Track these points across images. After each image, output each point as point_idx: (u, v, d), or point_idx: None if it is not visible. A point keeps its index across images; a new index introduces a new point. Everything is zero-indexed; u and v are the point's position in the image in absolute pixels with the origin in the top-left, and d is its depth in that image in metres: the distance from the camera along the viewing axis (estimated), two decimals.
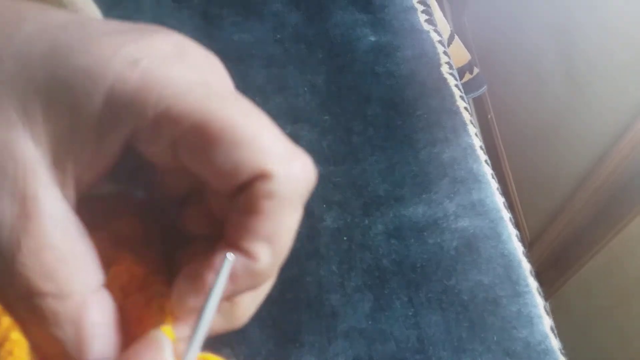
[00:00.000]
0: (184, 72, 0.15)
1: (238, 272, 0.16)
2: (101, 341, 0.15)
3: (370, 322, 0.36)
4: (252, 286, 0.16)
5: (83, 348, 0.15)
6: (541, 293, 0.39)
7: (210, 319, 0.15)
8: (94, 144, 0.14)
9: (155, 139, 0.15)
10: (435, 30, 0.51)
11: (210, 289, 0.15)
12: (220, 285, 0.15)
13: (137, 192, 0.19)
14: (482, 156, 0.44)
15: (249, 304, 0.18)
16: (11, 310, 0.15)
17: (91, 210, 0.16)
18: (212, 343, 0.20)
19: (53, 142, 0.14)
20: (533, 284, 0.39)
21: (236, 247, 0.16)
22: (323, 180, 0.41)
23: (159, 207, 0.19)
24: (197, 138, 0.14)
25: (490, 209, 0.41)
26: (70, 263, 0.15)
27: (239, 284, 0.16)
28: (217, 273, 0.15)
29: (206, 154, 0.15)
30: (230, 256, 0.15)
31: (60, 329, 0.14)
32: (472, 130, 0.45)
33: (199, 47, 0.17)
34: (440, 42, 0.51)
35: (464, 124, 0.45)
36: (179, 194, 0.18)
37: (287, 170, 0.16)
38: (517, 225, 0.42)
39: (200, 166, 0.15)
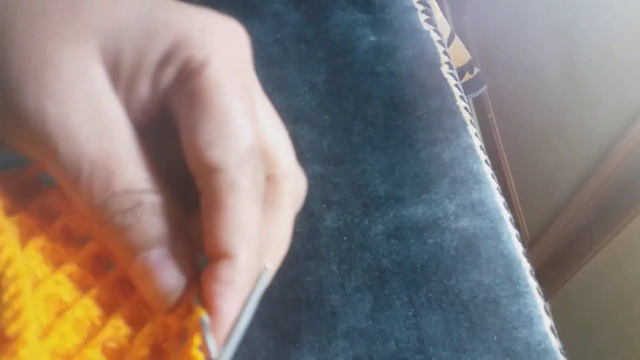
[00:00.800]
0: (230, 50, 0.18)
1: (228, 276, 0.16)
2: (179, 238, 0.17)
3: (370, 322, 0.36)
4: (245, 286, 0.17)
5: (164, 238, 0.17)
6: (541, 293, 0.39)
7: (244, 327, 0.17)
8: (148, 82, 0.17)
9: (182, 91, 0.17)
10: (435, 30, 0.51)
11: (246, 302, 0.17)
12: (256, 296, 0.17)
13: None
14: (482, 156, 0.44)
15: None
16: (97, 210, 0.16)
17: None
18: None
19: (119, 75, 0.17)
20: (533, 284, 0.39)
21: (215, 253, 0.17)
22: (323, 180, 0.41)
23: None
24: (199, 99, 0.17)
25: (490, 209, 0.41)
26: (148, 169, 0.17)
27: (236, 288, 0.17)
28: (255, 286, 0.17)
29: (193, 119, 0.17)
30: (269, 266, 0.17)
31: (154, 219, 0.16)
32: (472, 130, 0.45)
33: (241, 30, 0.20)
34: (440, 42, 0.51)
35: (464, 124, 0.45)
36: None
37: (244, 166, 0.17)
38: (517, 225, 0.42)
39: (183, 131, 0.17)
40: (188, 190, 0.19)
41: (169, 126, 0.18)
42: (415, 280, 0.37)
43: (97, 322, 0.17)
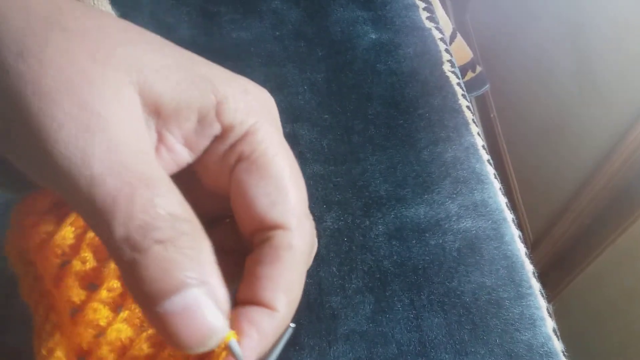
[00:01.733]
0: (269, 114, 0.19)
1: (264, 325, 0.17)
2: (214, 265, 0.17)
3: (371, 325, 0.35)
4: (273, 338, 0.18)
5: (206, 266, 0.15)
6: (544, 295, 0.39)
7: None
8: (189, 129, 0.18)
9: (229, 152, 0.18)
10: (437, 28, 0.51)
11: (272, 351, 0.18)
12: (281, 345, 0.18)
13: None
14: (485, 156, 0.44)
15: None
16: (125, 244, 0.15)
17: None
18: None
19: (158, 114, 0.17)
20: (536, 285, 0.38)
21: (255, 300, 0.17)
22: (323, 181, 0.41)
23: None
24: (255, 163, 0.18)
25: (493, 210, 0.40)
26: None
27: (266, 338, 0.17)
28: (280, 339, 0.18)
29: (253, 182, 0.18)
30: (292, 325, 0.18)
31: (188, 246, 0.15)
32: (475, 129, 0.45)
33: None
34: (442, 39, 0.50)
35: (467, 123, 0.45)
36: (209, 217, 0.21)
37: (302, 229, 0.18)
38: (520, 226, 0.41)
39: (241, 191, 0.18)
40: (215, 210, 0.20)
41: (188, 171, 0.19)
42: (416, 282, 0.37)
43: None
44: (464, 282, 0.37)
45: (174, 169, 0.18)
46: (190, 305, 0.15)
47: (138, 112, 0.16)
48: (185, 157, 0.18)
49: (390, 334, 0.35)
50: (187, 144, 0.18)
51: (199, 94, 0.17)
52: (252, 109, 0.18)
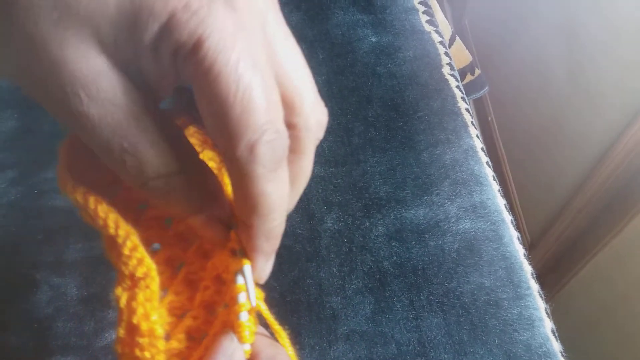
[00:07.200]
0: (218, 10, 0.17)
1: (246, 240, 0.21)
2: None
3: (371, 325, 0.36)
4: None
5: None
6: (542, 296, 0.39)
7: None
8: (152, 61, 0.17)
9: (187, 63, 0.17)
10: (437, 31, 0.51)
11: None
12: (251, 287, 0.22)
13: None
14: (484, 158, 0.44)
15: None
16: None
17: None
18: None
19: (121, 60, 0.17)
20: (534, 286, 0.39)
21: (240, 218, 0.21)
22: (323, 182, 0.41)
23: None
24: (199, 85, 0.17)
25: (491, 211, 0.41)
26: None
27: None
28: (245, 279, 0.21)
29: (202, 104, 0.17)
30: (247, 267, 0.21)
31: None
32: (474, 131, 0.45)
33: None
34: (441, 43, 0.50)
35: (465, 126, 0.45)
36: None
37: (253, 146, 0.17)
38: (518, 228, 0.42)
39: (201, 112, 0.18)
40: None
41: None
42: (416, 283, 0.37)
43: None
44: (463, 282, 0.37)
45: (167, 90, 0.19)
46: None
47: (111, 76, 0.17)
48: (163, 82, 0.18)
49: (389, 334, 0.35)
50: (157, 72, 0.18)
51: (145, 30, 0.16)
52: (198, 21, 0.16)
